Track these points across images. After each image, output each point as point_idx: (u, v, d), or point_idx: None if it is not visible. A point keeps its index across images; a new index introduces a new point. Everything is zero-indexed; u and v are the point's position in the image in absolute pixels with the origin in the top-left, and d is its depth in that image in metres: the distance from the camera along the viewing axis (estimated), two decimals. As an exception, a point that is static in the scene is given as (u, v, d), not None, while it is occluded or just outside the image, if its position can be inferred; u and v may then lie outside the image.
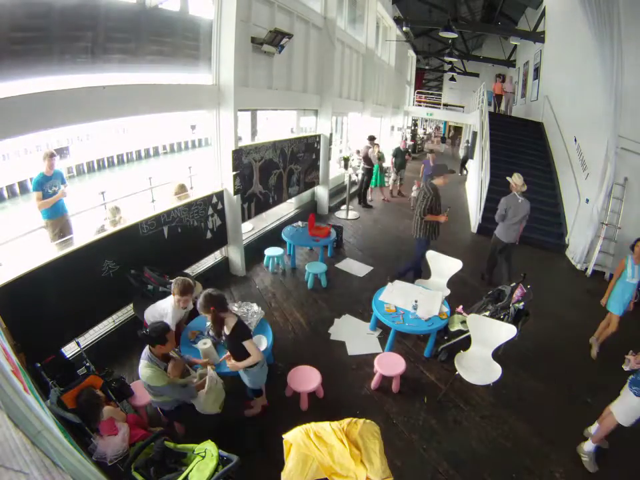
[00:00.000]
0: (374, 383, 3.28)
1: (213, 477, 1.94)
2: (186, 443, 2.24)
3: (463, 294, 4.23)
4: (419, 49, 17.73)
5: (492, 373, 3.01)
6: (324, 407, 3.00)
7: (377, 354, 3.44)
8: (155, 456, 2.12)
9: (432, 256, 4.45)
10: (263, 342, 3.06)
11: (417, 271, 4.73)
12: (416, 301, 3.55)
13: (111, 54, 3.17)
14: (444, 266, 4.35)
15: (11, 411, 1.36)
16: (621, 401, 2.56)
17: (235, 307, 3.21)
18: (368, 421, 2.13)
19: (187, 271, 4.53)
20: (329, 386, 3.17)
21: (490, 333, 3.13)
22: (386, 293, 3.88)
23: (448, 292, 4.15)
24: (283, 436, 2.06)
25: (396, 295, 3.83)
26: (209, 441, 2.16)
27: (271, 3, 5.05)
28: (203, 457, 2.05)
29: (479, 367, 3.07)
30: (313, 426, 2.07)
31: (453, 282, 4.32)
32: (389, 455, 2.10)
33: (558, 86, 9.14)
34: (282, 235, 5.43)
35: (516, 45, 13.67)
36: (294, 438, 2.01)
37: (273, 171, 5.79)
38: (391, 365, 3.21)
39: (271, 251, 5.23)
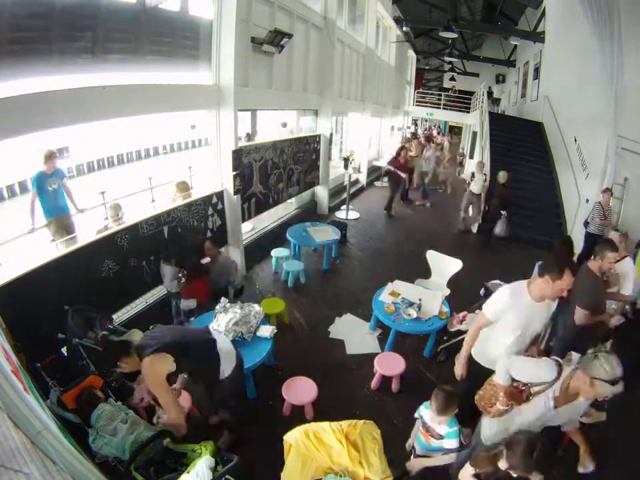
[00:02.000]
0: (374, 383, 3.28)
1: (213, 477, 1.94)
2: (186, 443, 2.24)
3: (463, 294, 4.23)
4: (418, 48, 17.72)
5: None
6: (324, 407, 2.99)
7: (376, 354, 3.44)
8: (155, 456, 2.12)
9: (432, 256, 4.45)
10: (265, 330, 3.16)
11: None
12: (420, 300, 3.56)
13: (111, 54, 3.17)
14: (444, 266, 4.35)
15: (11, 411, 1.36)
16: None
17: (237, 308, 3.20)
18: (368, 421, 2.13)
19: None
20: (329, 386, 3.17)
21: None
22: (385, 293, 3.88)
23: (448, 292, 4.15)
24: (283, 437, 2.07)
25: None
26: (209, 440, 2.16)
27: (271, 2, 5.05)
28: (203, 457, 2.04)
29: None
30: (312, 426, 2.08)
31: (452, 282, 4.32)
32: (390, 455, 2.10)
33: (558, 86, 9.14)
34: (287, 235, 5.39)
35: (516, 45, 13.69)
36: (294, 438, 2.02)
37: (273, 171, 5.79)
38: (390, 364, 3.22)
39: (278, 252, 5.23)
